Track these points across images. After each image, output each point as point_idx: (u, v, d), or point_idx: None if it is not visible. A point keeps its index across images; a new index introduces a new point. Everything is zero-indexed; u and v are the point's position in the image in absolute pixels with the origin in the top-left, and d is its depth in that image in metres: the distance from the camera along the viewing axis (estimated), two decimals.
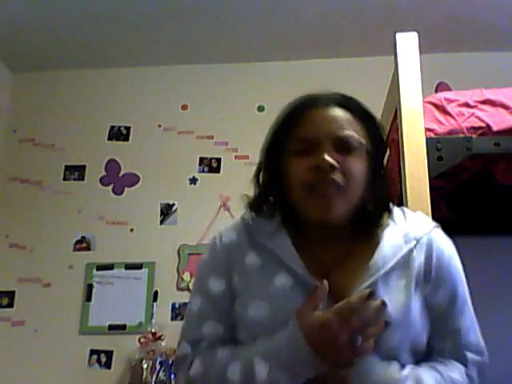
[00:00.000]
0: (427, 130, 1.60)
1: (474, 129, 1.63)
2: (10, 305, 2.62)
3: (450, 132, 1.63)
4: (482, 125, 1.63)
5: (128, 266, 2.64)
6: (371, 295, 0.80)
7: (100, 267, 2.65)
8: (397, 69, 1.64)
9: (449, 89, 2.21)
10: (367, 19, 2.62)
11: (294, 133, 0.94)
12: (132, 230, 2.72)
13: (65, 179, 2.83)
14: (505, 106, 1.66)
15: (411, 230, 0.95)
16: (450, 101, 1.68)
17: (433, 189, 1.49)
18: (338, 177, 0.88)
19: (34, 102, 3.00)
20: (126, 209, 2.75)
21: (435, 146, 1.59)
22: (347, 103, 0.96)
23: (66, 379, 2.47)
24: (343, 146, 0.90)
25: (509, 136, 1.61)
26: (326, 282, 0.84)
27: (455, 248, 1.02)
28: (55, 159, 2.87)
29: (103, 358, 2.50)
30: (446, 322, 0.93)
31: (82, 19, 2.61)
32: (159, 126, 2.90)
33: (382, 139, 0.99)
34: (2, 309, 2.61)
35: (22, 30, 2.70)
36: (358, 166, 0.91)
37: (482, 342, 0.96)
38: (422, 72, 1.61)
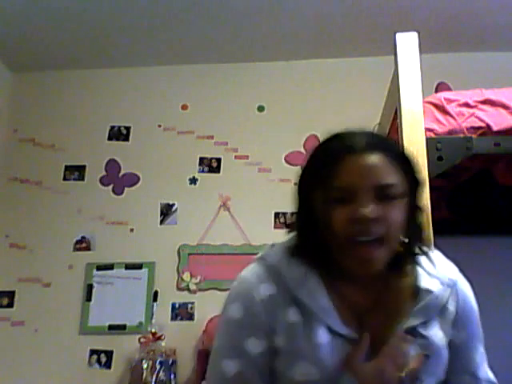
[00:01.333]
0: (427, 130, 1.60)
1: (474, 129, 1.63)
2: (10, 305, 2.62)
3: (450, 132, 1.63)
4: (482, 125, 1.63)
5: (128, 266, 2.64)
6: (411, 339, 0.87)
7: (100, 267, 2.65)
8: (397, 69, 1.64)
9: (449, 89, 2.22)
10: (367, 19, 2.61)
11: (331, 181, 0.89)
12: (132, 230, 2.71)
13: (65, 179, 2.83)
14: (505, 106, 1.66)
15: (444, 276, 0.97)
16: (450, 101, 1.68)
17: (433, 189, 1.49)
18: (378, 229, 0.86)
19: (34, 101, 3.00)
20: (126, 209, 2.75)
21: (435, 145, 1.59)
22: (383, 146, 0.91)
23: (66, 379, 2.47)
24: (383, 195, 0.87)
25: (509, 136, 1.61)
26: (367, 335, 0.87)
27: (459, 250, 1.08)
28: (55, 159, 2.87)
29: (103, 358, 2.50)
30: (465, 360, 0.99)
31: (82, 19, 2.61)
32: (159, 126, 2.90)
33: (419, 180, 0.95)
34: (1, 309, 2.61)
35: (22, 30, 2.70)
36: (398, 215, 0.88)
37: (492, 374, 1.05)
38: (422, 72, 1.61)
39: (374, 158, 0.89)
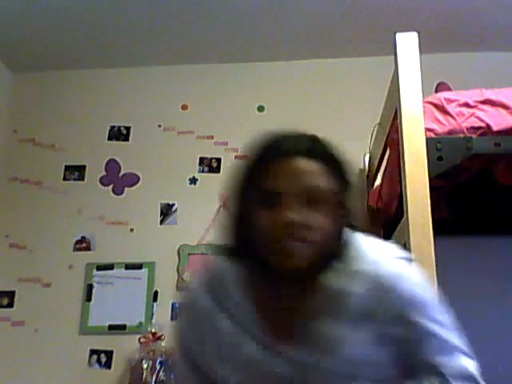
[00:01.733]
0: (427, 129, 1.60)
1: (474, 129, 1.63)
2: (10, 305, 2.62)
3: (450, 132, 1.63)
4: (482, 125, 1.63)
5: (128, 266, 2.64)
6: None
7: (100, 267, 2.64)
8: (397, 69, 1.64)
9: (449, 89, 2.21)
10: (367, 19, 2.61)
11: (259, 183, 0.90)
12: (132, 230, 2.71)
13: (65, 179, 2.83)
14: (505, 106, 1.66)
15: (371, 276, 0.92)
16: (450, 101, 1.68)
17: (433, 189, 1.49)
18: (303, 233, 0.86)
19: (34, 101, 3.00)
20: (126, 209, 2.75)
21: (435, 145, 1.59)
22: (314, 150, 0.92)
23: (66, 379, 2.47)
24: (311, 200, 0.87)
25: (509, 136, 1.61)
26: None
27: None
28: (55, 159, 2.87)
29: (103, 358, 2.50)
30: (423, 355, 0.94)
31: (82, 19, 2.61)
32: (159, 126, 2.90)
33: (350, 183, 0.96)
34: (1, 309, 2.61)
35: (22, 30, 2.70)
36: (325, 220, 0.88)
37: (470, 364, 1.02)
38: (422, 72, 1.61)
39: (303, 163, 0.89)
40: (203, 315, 0.98)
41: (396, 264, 0.95)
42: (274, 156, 0.90)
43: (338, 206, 0.91)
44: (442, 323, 0.94)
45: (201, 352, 0.98)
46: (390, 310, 0.90)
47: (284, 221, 0.85)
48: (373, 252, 0.95)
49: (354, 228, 0.97)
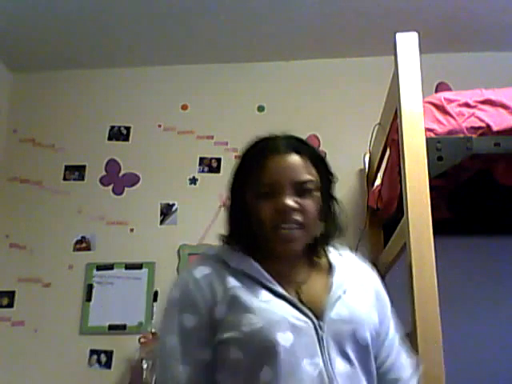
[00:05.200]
0: (427, 129, 1.60)
1: (474, 129, 1.63)
2: (10, 305, 2.62)
3: (450, 132, 1.63)
4: (482, 125, 1.63)
5: (128, 266, 2.64)
6: None
7: (100, 267, 2.65)
8: (397, 69, 1.64)
9: (449, 89, 2.22)
10: (367, 19, 2.61)
11: (258, 178, 1.05)
12: (132, 230, 2.71)
13: (65, 179, 2.83)
14: (505, 106, 1.66)
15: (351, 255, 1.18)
16: (450, 101, 1.68)
17: (433, 189, 1.49)
18: (298, 217, 1.03)
19: (34, 102, 3.00)
20: (126, 209, 2.75)
21: (435, 145, 1.59)
22: (302, 148, 1.08)
23: (66, 379, 2.47)
24: (301, 189, 1.04)
25: (509, 136, 1.61)
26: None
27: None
28: (55, 159, 2.86)
29: (103, 358, 2.50)
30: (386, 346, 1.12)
31: (82, 19, 2.61)
32: (159, 126, 2.90)
33: (331, 176, 1.13)
34: (1, 309, 2.61)
35: (22, 30, 2.70)
36: (313, 205, 1.05)
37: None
38: (422, 72, 1.61)
39: (293, 158, 1.06)
40: (206, 280, 1.02)
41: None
42: (268, 153, 1.06)
43: (322, 193, 1.09)
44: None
45: (219, 311, 0.99)
46: (378, 293, 1.13)
47: (281, 207, 1.02)
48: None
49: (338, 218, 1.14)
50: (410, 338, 1.40)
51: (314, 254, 1.12)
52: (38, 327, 2.57)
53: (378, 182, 2.35)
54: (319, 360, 0.94)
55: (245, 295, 0.99)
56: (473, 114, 1.65)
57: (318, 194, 1.07)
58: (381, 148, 2.16)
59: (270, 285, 1.01)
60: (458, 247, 2.37)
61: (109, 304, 2.58)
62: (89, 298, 2.59)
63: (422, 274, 1.40)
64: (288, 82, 2.93)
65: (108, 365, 2.49)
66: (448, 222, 2.17)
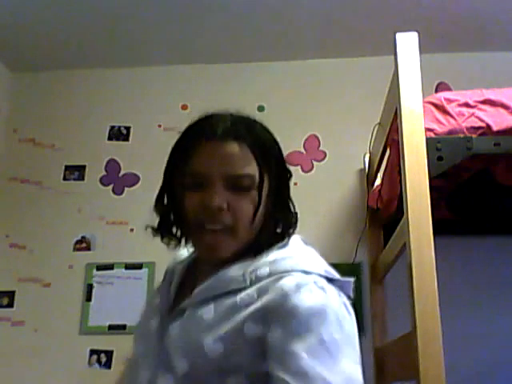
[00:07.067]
0: (427, 129, 1.60)
1: (474, 129, 1.63)
2: (10, 305, 2.62)
3: (450, 132, 1.63)
4: (482, 125, 1.63)
5: (128, 266, 2.64)
6: None
7: (100, 267, 2.65)
8: (397, 69, 1.64)
9: (449, 89, 2.21)
10: (367, 19, 2.61)
11: (185, 166, 0.90)
12: (132, 230, 2.71)
13: (65, 179, 2.83)
14: (505, 106, 1.66)
15: (269, 269, 0.86)
16: (450, 101, 1.68)
17: (433, 189, 1.49)
18: (226, 218, 0.86)
19: (34, 101, 3.00)
20: (126, 209, 2.75)
21: (435, 146, 1.59)
22: (244, 135, 0.89)
23: (66, 379, 2.47)
24: (235, 186, 0.87)
25: (509, 136, 1.61)
26: None
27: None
28: (55, 159, 2.86)
29: (103, 358, 2.50)
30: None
31: (82, 19, 2.61)
32: (159, 125, 2.90)
33: (284, 169, 0.95)
34: (1, 309, 2.61)
35: (22, 30, 2.70)
36: (249, 206, 0.87)
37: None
38: (422, 72, 1.61)
39: (229, 147, 0.88)
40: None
41: (298, 280, 0.82)
42: (201, 138, 0.90)
43: (270, 189, 0.90)
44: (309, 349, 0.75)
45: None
46: (272, 313, 0.80)
47: (207, 204, 0.85)
48: (286, 261, 0.87)
49: (286, 220, 0.93)
50: (410, 337, 1.40)
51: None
52: (38, 327, 2.57)
53: (377, 181, 2.35)
54: None
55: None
56: (473, 114, 1.65)
57: (257, 192, 0.88)
58: (381, 148, 2.16)
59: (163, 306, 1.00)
60: (458, 247, 2.37)
61: (109, 304, 2.58)
62: (89, 298, 2.59)
63: (422, 274, 1.40)
64: (288, 82, 2.93)
65: (108, 365, 2.49)
66: (448, 222, 2.17)
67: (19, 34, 2.74)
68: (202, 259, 0.96)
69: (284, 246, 0.91)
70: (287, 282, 0.81)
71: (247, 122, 0.94)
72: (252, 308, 0.81)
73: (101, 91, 2.99)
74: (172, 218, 0.96)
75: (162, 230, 0.98)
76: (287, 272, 0.83)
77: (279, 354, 0.76)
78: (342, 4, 2.52)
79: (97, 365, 2.50)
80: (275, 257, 0.88)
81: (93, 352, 2.52)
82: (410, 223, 1.46)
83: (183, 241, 1.00)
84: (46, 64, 2.99)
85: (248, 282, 0.85)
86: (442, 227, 1.56)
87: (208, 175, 0.87)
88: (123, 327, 2.53)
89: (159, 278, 2.72)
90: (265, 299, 0.81)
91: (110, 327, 2.54)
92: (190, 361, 0.82)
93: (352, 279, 0.88)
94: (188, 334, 0.85)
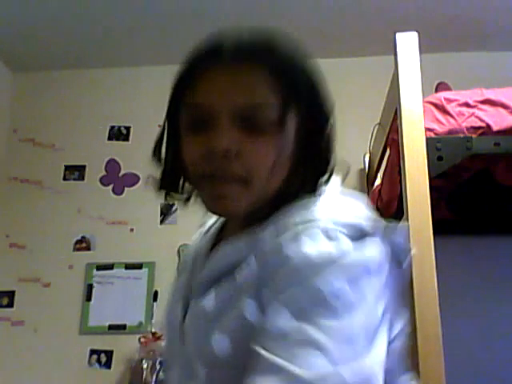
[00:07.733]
0: (427, 129, 1.60)
1: (474, 129, 1.63)
2: (10, 305, 2.62)
3: (450, 132, 1.63)
4: (482, 125, 1.63)
5: (128, 266, 2.64)
6: None
7: (100, 267, 2.65)
8: (397, 69, 1.64)
9: (449, 89, 2.21)
10: (367, 19, 2.61)
11: (187, 96, 0.69)
12: (132, 229, 2.71)
13: (65, 179, 2.83)
14: (505, 106, 1.66)
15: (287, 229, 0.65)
16: (449, 101, 1.68)
17: (433, 189, 1.49)
18: (237, 168, 0.64)
19: (34, 101, 3.00)
20: (126, 209, 2.75)
21: (435, 146, 1.59)
22: (262, 54, 0.67)
23: (66, 379, 2.47)
24: (249, 122, 0.64)
25: (509, 136, 1.61)
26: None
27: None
28: (55, 159, 2.87)
29: (103, 358, 2.50)
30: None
31: (83, 19, 2.61)
32: (159, 126, 2.89)
33: (321, 102, 0.72)
34: (1, 309, 2.61)
35: (22, 30, 2.70)
36: (269, 150, 0.65)
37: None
38: (422, 72, 1.61)
39: (243, 70, 0.65)
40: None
41: (300, 228, 0.62)
42: (206, 60, 0.68)
43: (299, 126, 0.68)
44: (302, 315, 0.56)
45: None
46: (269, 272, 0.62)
47: (210, 149, 0.64)
48: (300, 212, 0.65)
49: (323, 169, 0.71)
50: (410, 338, 1.40)
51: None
52: (37, 327, 2.57)
53: (377, 181, 2.35)
54: None
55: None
56: (473, 114, 1.65)
57: (281, 130, 0.65)
58: (381, 148, 2.16)
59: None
60: (458, 247, 2.37)
61: (109, 304, 2.58)
62: (89, 298, 2.59)
63: (422, 274, 1.40)
64: None
65: (108, 365, 2.49)
66: (448, 222, 2.17)
67: (19, 35, 2.74)
68: (226, 221, 0.75)
69: (310, 197, 0.68)
70: (287, 234, 0.62)
71: (270, 39, 0.70)
72: (250, 281, 0.63)
73: (101, 91, 2.99)
74: (172, 168, 0.76)
75: (164, 184, 0.78)
76: (295, 225, 0.63)
77: (260, 320, 0.59)
78: (342, 4, 2.52)
79: (97, 365, 2.50)
80: (288, 211, 0.67)
81: (93, 352, 2.52)
82: (410, 223, 1.46)
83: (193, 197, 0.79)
84: (46, 64, 2.99)
85: (248, 251, 0.66)
86: (441, 227, 1.56)
87: (210, 108, 0.65)
88: (123, 327, 2.53)
89: (159, 278, 2.72)
90: (262, 263, 0.63)
91: (110, 327, 2.54)
92: (207, 367, 0.64)
93: (405, 229, 0.68)
94: (197, 333, 0.68)
